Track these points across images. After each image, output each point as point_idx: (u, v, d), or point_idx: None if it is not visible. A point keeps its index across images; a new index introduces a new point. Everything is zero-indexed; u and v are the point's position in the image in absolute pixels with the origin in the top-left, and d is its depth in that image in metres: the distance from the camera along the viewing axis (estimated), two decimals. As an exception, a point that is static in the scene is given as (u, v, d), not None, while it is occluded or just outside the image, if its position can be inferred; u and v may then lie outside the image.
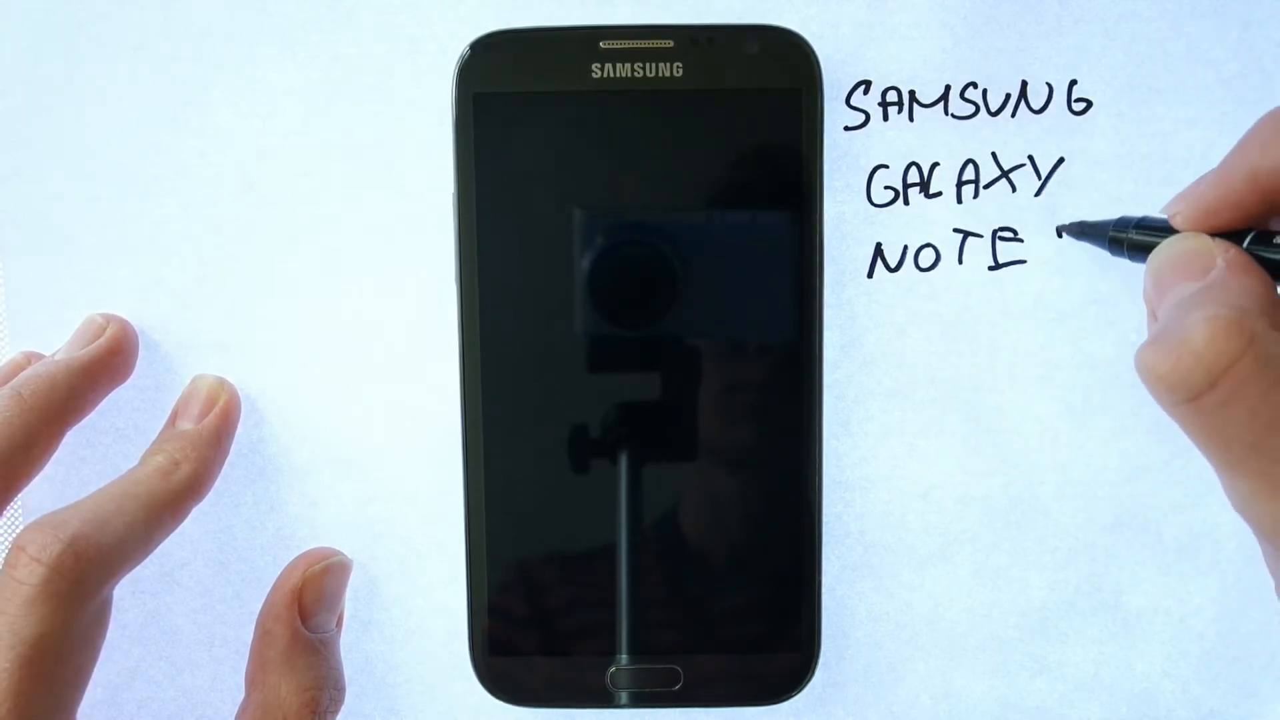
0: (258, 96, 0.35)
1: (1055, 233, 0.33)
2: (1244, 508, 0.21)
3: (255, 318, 0.36)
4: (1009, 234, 0.35)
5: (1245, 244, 0.23)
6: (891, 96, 0.35)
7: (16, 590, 0.28)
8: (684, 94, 0.34)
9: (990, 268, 0.36)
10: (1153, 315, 0.24)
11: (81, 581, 0.29)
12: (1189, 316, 0.21)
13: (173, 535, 0.32)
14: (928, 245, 0.35)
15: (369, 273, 0.36)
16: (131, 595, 0.37)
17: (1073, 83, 0.35)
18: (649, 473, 0.35)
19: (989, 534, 0.36)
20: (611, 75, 0.33)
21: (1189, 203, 0.24)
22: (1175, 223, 0.24)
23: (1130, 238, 0.25)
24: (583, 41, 0.33)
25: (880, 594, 0.37)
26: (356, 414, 0.36)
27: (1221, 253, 0.23)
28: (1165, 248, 0.24)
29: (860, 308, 0.36)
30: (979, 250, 0.36)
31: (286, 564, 0.35)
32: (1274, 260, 0.23)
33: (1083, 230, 0.27)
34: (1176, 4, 0.35)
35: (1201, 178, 0.24)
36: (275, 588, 0.34)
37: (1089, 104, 0.35)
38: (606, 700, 0.36)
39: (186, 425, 0.34)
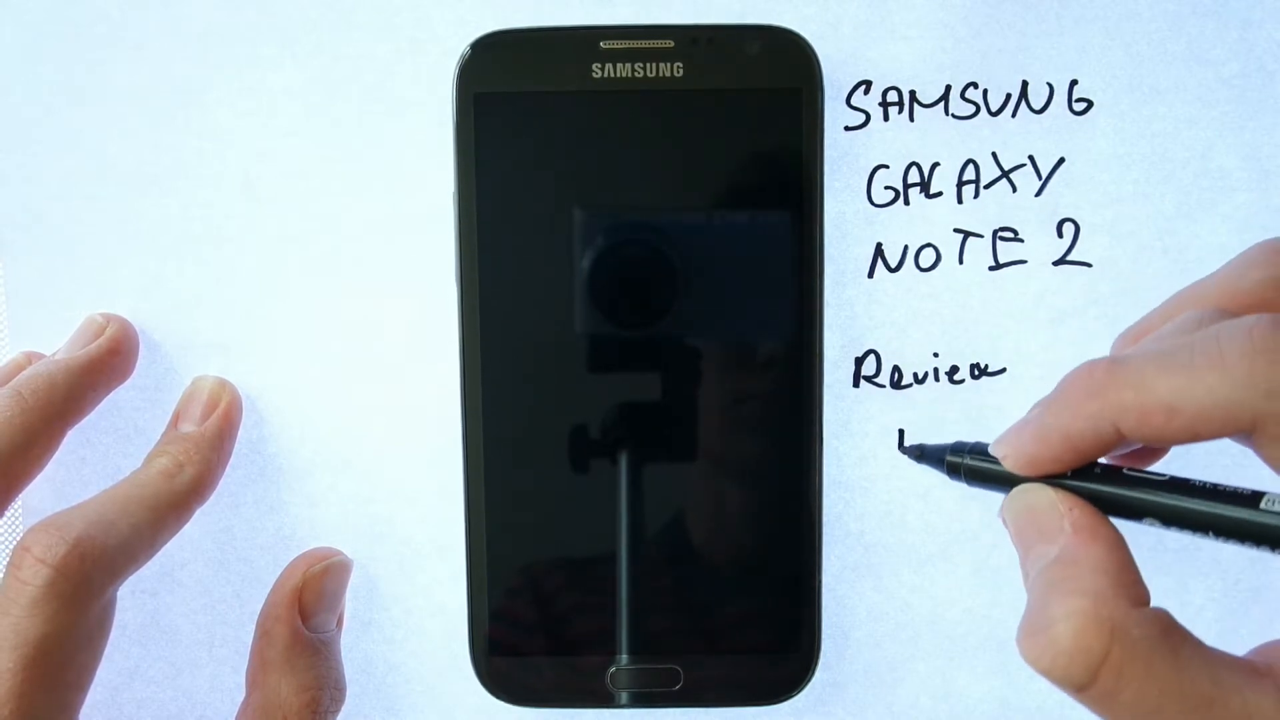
0: (258, 96, 0.35)
1: (899, 448, 0.35)
2: None
3: (255, 318, 0.36)
4: (1009, 234, 0.35)
5: (1078, 479, 0.24)
6: (892, 96, 0.35)
7: (21, 591, 0.28)
8: (684, 94, 0.34)
9: (990, 268, 0.36)
10: (1021, 564, 0.25)
11: (86, 583, 0.29)
12: (1052, 607, 0.22)
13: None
14: (928, 245, 0.35)
15: (369, 273, 0.36)
16: (131, 595, 0.37)
17: (1073, 83, 0.35)
18: (649, 472, 0.35)
19: (989, 534, 0.36)
20: (611, 75, 0.33)
21: (1015, 451, 0.25)
22: (1005, 465, 0.25)
23: (966, 464, 0.27)
24: (583, 41, 0.33)
25: (880, 594, 0.37)
26: (356, 414, 0.36)
27: (1066, 513, 0.24)
28: (1013, 500, 0.25)
29: (860, 308, 0.36)
30: (979, 250, 0.36)
31: (286, 564, 0.35)
32: (1107, 495, 0.24)
33: (921, 454, 0.28)
34: (1176, 4, 0.35)
35: (1023, 426, 0.25)
36: (275, 588, 0.34)
37: (1089, 104, 0.35)
38: (607, 700, 0.36)
39: (189, 427, 0.34)
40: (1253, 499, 0.22)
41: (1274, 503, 0.22)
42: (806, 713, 0.37)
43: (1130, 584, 0.22)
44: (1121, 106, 0.35)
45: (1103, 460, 0.24)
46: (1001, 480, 0.25)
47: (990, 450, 0.26)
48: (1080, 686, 0.22)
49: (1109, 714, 0.22)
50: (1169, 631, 0.22)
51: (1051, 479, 0.25)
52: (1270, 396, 0.21)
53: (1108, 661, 0.21)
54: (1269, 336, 0.21)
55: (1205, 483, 0.23)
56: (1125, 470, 0.24)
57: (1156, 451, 0.27)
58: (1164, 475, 0.24)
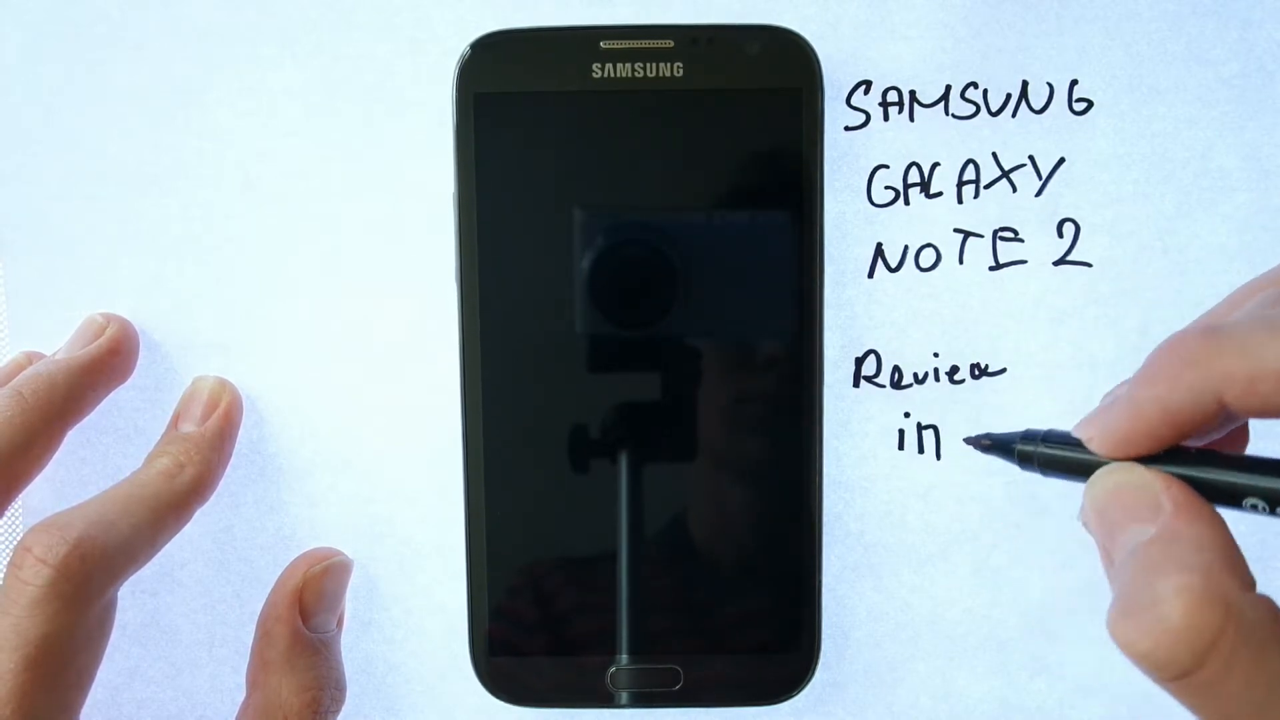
0: (258, 96, 0.35)
1: (964, 439, 0.33)
2: None
3: (255, 318, 0.36)
4: (1009, 234, 0.35)
5: (1168, 463, 0.23)
6: (892, 96, 0.35)
7: (22, 591, 0.28)
8: (684, 94, 0.34)
9: (991, 268, 0.36)
10: (1104, 551, 0.23)
11: (87, 583, 0.29)
12: (1157, 584, 0.20)
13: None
14: (928, 245, 0.36)
15: (369, 273, 0.36)
16: (131, 595, 0.37)
17: (1073, 83, 0.35)
18: (649, 473, 0.35)
19: (989, 534, 0.37)
20: (611, 75, 0.33)
21: (1102, 430, 0.23)
22: (1091, 447, 0.23)
23: (1041, 452, 0.25)
24: (583, 41, 0.33)
25: (880, 594, 0.37)
26: (356, 414, 0.36)
27: (1164, 489, 0.22)
28: (1101, 480, 0.23)
29: (860, 308, 0.36)
30: (979, 250, 0.36)
31: (287, 564, 0.35)
32: (1211, 482, 0.22)
33: (990, 444, 0.26)
34: (1176, 4, 0.35)
35: (1111, 404, 0.23)
36: (276, 588, 0.34)
37: (1089, 104, 0.35)
38: (607, 700, 0.36)
39: (189, 427, 0.34)
40: None
41: None
42: (806, 713, 0.37)
43: (1239, 565, 0.21)
44: (1121, 106, 0.35)
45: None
46: (1081, 468, 0.24)
47: (1074, 432, 0.24)
48: (1183, 672, 0.20)
49: (1207, 706, 0.20)
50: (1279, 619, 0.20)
51: (1139, 461, 0.23)
52: None
53: (1219, 644, 0.19)
54: None
55: None
56: (1221, 453, 0.22)
57: (1234, 443, 0.25)
58: (1267, 457, 0.22)
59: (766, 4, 0.35)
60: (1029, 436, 0.25)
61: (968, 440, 0.27)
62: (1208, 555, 0.21)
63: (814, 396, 0.35)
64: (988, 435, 0.26)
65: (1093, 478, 0.23)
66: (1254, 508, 0.22)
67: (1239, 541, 0.21)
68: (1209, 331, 0.21)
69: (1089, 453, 0.24)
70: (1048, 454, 0.25)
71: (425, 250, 0.35)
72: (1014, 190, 0.35)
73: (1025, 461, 0.25)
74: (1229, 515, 0.22)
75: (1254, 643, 0.19)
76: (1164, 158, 0.35)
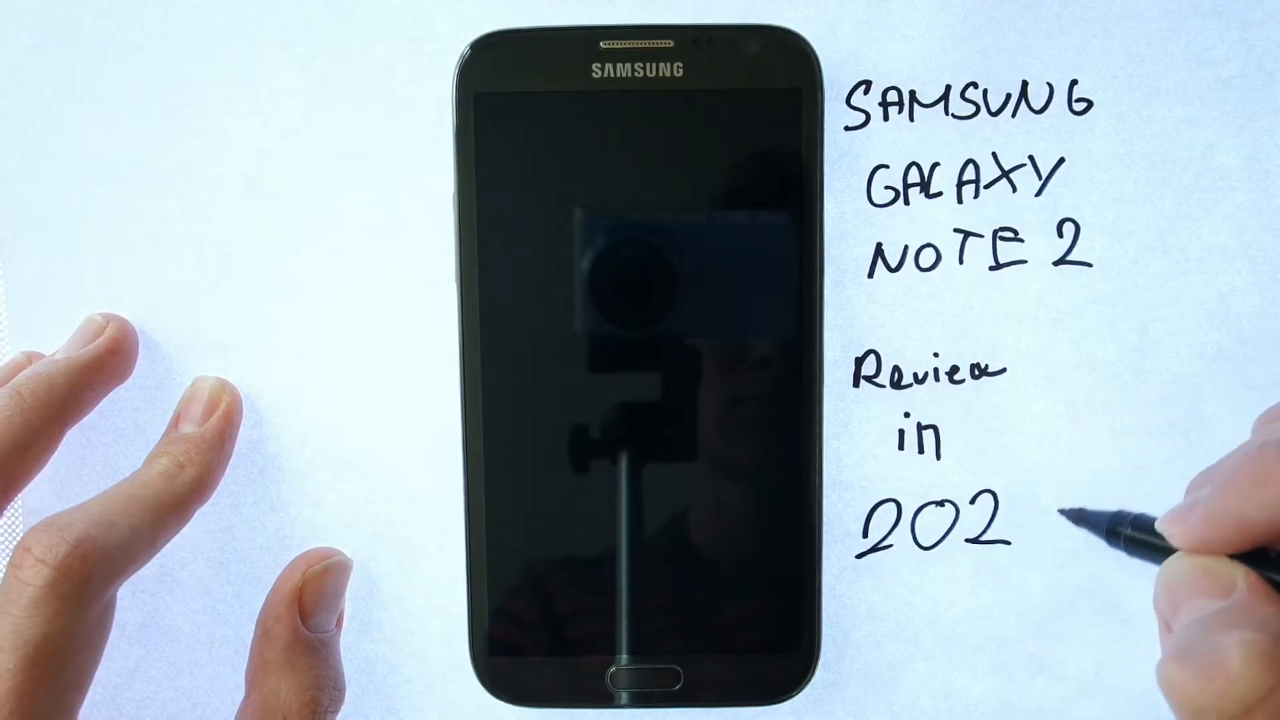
0: (258, 96, 0.35)
1: (1058, 510, 0.33)
2: None
3: (255, 318, 0.36)
4: (1009, 234, 0.35)
5: (1249, 562, 0.23)
6: (892, 96, 0.35)
7: (21, 591, 0.28)
8: (684, 94, 0.34)
9: (991, 268, 0.36)
10: (1165, 626, 0.24)
11: (86, 583, 0.29)
12: (1221, 636, 0.21)
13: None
14: (928, 245, 0.35)
15: (369, 273, 0.36)
16: (131, 595, 0.37)
17: (1073, 83, 0.35)
18: (649, 472, 0.35)
19: (989, 534, 0.36)
20: (611, 75, 0.33)
21: (1183, 531, 0.24)
22: (1172, 542, 0.24)
23: (1128, 534, 0.26)
24: (583, 41, 0.33)
25: (880, 594, 0.37)
26: (356, 414, 0.36)
27: (1241, 576, 0.23)
28: (1179, 560, 0.24)
29: (860, 308, 0.36)
30: (980, 250, 0.36)
31: (286, 564, 0.35)
32: None
33: (1081, 518, 0.28)
34: (1176, 4, 0.35)
35: (1191, 507, 0.24)
36: (275, 588, 0.34)
37: (1089, 104, 0.35)
38: (607, 700, 0.36)
39: (189, 428, 0.34)
40: None
41: None
42: (806, 713, 0.37)
43: None
44: (1121, 106, 0.35)
45: None
46: (1167, 554, 0.25)
47: (1157, 527, 0.25)
48: (1225, 718, 0.20)
49: None
50: None
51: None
52: None
53: (1267, 702, 0.20)
54: None
55: None
56: None
57: None
58: None
59: (766, 4, 0.35)
60: (1119, 519, 0.27)
61: (1062, 511, 0.29)
62: (1275, 626, 0.21)
63: (814, 396, 0.35)
64: (1079, 510, 0.28)
65: (1174, 556, 0.24)
66: None
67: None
68: None
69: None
70: (1134, 537, 0.26)
71: (425, 250, 0.35)
72: (1014, 190, 0.35)
73: (1113, 539, 0.27)
74: None
75: None
76: (1164, 158, 0.35)
